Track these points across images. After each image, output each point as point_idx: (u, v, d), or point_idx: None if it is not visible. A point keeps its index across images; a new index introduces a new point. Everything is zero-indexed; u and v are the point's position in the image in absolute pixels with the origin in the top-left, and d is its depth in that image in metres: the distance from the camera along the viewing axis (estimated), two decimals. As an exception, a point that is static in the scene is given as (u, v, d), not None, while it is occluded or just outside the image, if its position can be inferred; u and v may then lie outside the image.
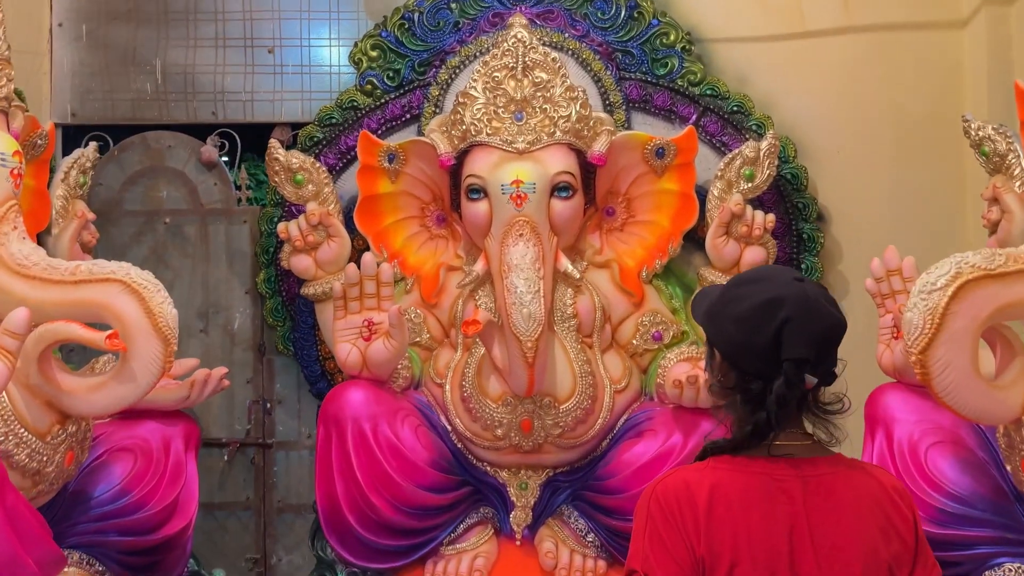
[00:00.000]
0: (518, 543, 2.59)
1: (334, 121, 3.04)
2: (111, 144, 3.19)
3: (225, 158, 3.28)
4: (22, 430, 1.91)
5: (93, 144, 2.88)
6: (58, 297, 1.95)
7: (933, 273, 1.74)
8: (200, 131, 3.27)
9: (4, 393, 1.85)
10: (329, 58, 3.28)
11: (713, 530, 1.29)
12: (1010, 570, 1.97)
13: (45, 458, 1.95)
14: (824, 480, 1.35)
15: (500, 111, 2.62)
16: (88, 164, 2.80)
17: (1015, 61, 2.89)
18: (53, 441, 2.00)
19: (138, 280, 2.02)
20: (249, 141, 3.36)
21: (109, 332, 1.92)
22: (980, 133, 2.54)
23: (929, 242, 2.79)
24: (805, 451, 1.38)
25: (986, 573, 2.00)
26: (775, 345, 1.33)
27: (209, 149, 3.21)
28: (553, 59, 2.67)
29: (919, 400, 2.17)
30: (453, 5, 3.05)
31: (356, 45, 3.10)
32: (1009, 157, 2.46)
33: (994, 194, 2.49)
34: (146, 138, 3.23)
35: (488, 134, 2.60)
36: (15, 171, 1.99)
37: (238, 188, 3.26)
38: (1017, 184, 2.42)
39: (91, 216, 2.74)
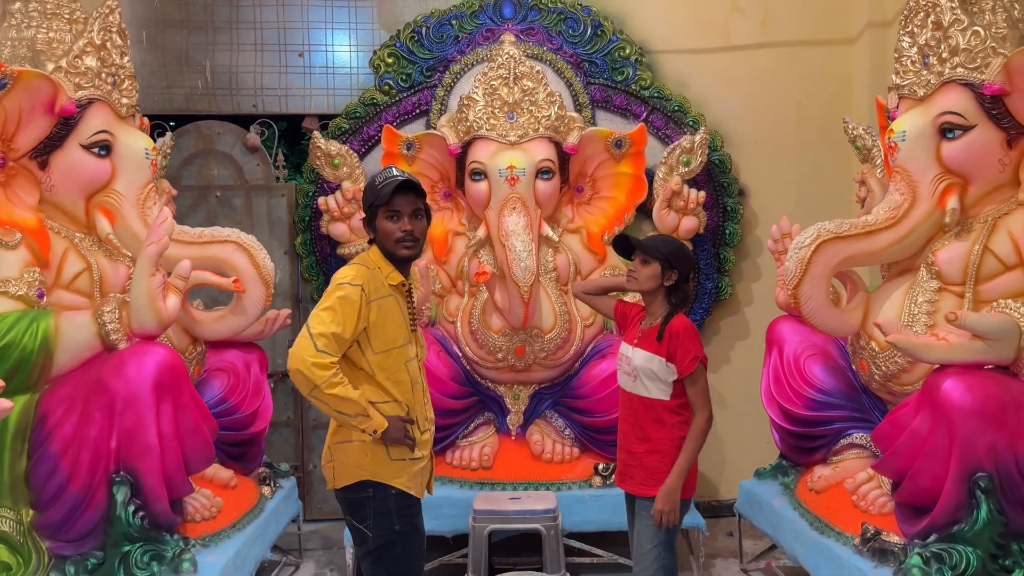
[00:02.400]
0: (513, 438, 3.33)
1: (358, 115, 3.71)
2: (169, 131, 3.79)
3: (266, 143, 3.91)
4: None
5: (170, 134, 3.49)
6: (190, 253, 2.65)
7: (803, 235, 2.54)
8: (243, 121, 3.88)
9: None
10: (349, 61, 3.91)
11: None
12: (857, 437, 2.78)
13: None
14: None
15: (496, 111, 3.30)
16: (168, 150, 3.42)
17: (889, 71, 3.58)
18: (189, 357, 2.71)
19: (247, 241, 2.74)
20: (283, 130, 3.98)
21: (234, 278, 2.64)
22: (854, 132, 3.24)
23: (823, 212, 3.16)
24: None
25: (841, 440, 2.81)
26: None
27: (253, 136, 3.84)
28: (537, 71, 3.35)
29: (801, 326, 2.90)
30: (454, 22, 3.71)
31: (375, 53, 3.75)
32: (874, 151, 3.15)
33: (862, 178, 3.20)
34: (199, 126, 3.85)
35: (487, 129, 3.28)
36: (153, 162, 2.68)
37: (276, 168, 3.89)
38: (878, 171, 3.11)
39: (174, 192, 3.38)
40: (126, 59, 2.70)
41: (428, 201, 3.38)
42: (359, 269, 2.02)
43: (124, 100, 2.66)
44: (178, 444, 2.29)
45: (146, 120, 2.93)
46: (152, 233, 2.27)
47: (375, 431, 1.97)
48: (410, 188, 2.04)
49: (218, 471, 2.81)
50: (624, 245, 2.35)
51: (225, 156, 3.86)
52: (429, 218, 2.14)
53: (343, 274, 2.02)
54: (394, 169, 2.09)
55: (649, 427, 2.21)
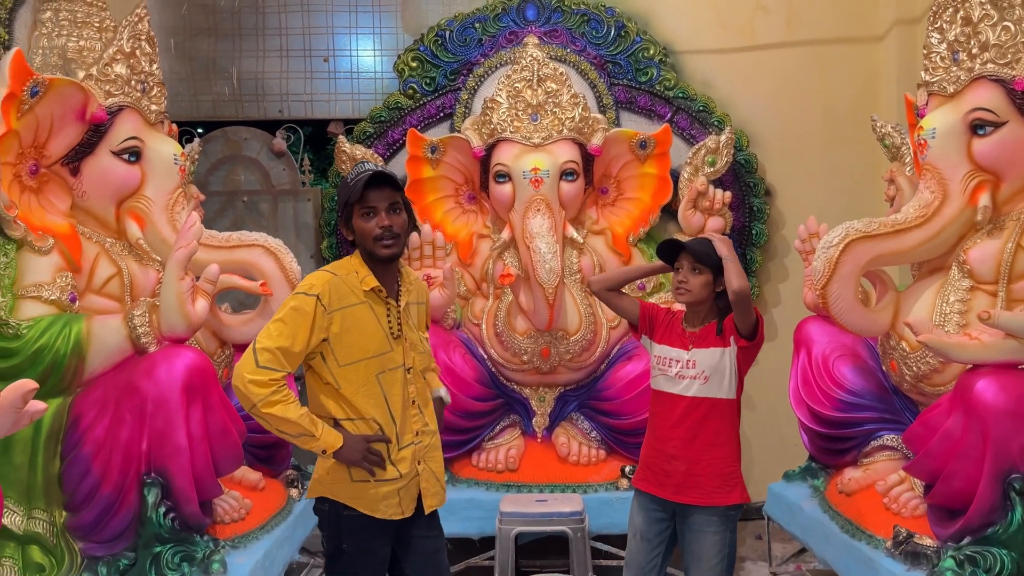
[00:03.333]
0: (539, 440, 3.33)
1: (383, 119, 3.74)
2: (197, 137, 3.84)
3: (292, 148, 3.95)
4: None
5: (198, 140, 3.53)
6: (219, 257, 2.68)
7: (831, 234, 2.51)
8: (269, 126, 3.93)
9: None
10: (374, 66, 3.93)
11: None
12: (888, 439, 2.73)
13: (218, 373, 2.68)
14: None
15: (520, 114, 3.31)
16: (196, 156, 3.45)
17: (917, 68, 3.53)
18: (217, 360, 2.74)
19: (274, 245, 2.77)
20: (309, 134, 4.02)
21: (261, 282, 2.67)
22: (883, 130, 3.20)
23: (851, 212, 3.11)
24: None
25: (872, 442, 2.77)
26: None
27: (279, 141, 3.88)
28: (560, 73, 3.36)
29: (830, 327, 2.87)
30: (477, 25, 3.73)
31: (399, 57, 3.77)
32: (903, 148, 3.10)
33: (891, 176, 3.15)
34: (226, 132, 3.90)
35: (511, 132, 3.29)
36: (182, 167, 2.72)
37: (303, 172, 3.93)
38: (907, 169, 3.06)
39: (202, 197, 3.42)
40: (155, 66, 2.73)
41: (453, 204, 3.53)
42: (321, 277, 1.91)
43: (153, 107, 2.70)
44: (207, 446, 2.31)
45: (175, 127, 2.97)
46: (181, 238, 2.30)
47: (324, 451, 1.86)
48: (384, 181, 1.89)
49: (247, 473, 2.84)
50: (671, 250, 2.25)
51: (252, 161, 3.90)
52: (411, 213, 2.00)
53: (303, 282, 1.92)
54: (367, 163, 1.98)
55: (723, 431, 2.16)
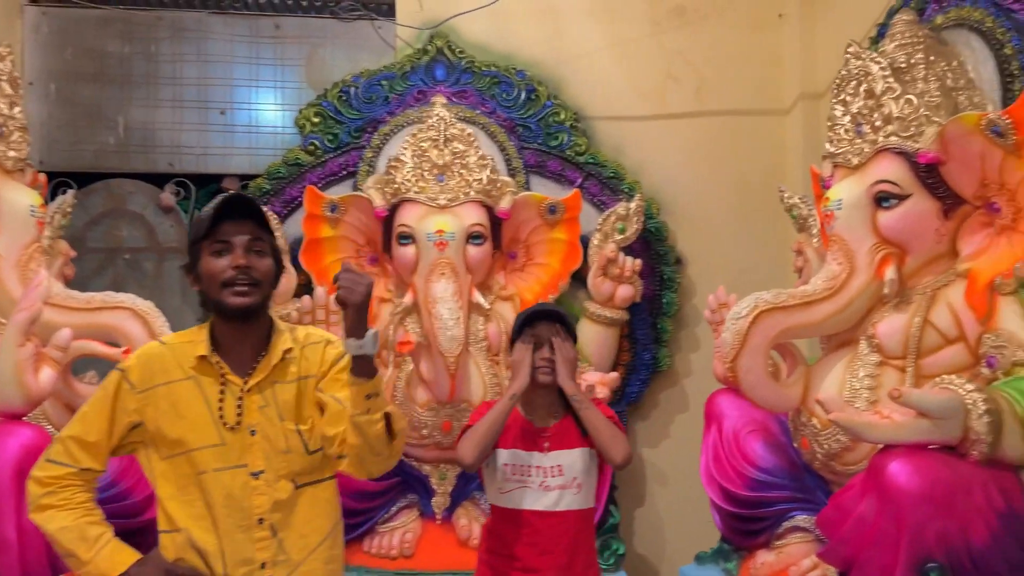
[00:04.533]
0: (438, 522, 3.09)
1: (281, 175, 3.54)
2: (76, 189, 3.56)
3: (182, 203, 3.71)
4: (49, 427, 2.35)
5: (71, 192, 3.26)
6: (77, 321, 2.42)
7: (740, 305, 2.44)
8: (158, 180, 3.69)
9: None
10: (274, 120, 3.76)
11: None
12: (801, 520, 2.62)
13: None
14: None
15: (425, 174, 3.18)
16: (69, 208, 3.18)
17: (822, 141, 3.59)
18: (71, 437, 2.43)
19: (143, 307, 2.52)
20: (202, 190, 3.78)
21: (125, 348, 2.40)
22: (790, 201, 3.20)
23: (760, 282, 3.10)
24: None
25: (784, 523, 2.65)
26: None
27: (167, 196, 3.65)
28: (468, 133, 3.27)
29: (741, 400, 2.73)
30: (384, 82, 3.61)
31: (301, 112, 3.62)
32: (809, 220, 3.10)
33: (799, 247, 3.14)
34: (108, 184, 3.64)
35: (416, 192, 3.16)
36: (40, 220, 2.46)
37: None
38: (814, 240, 3.04)
39: (72, 254, 3.14)
40: (16, 110, 2.50)
41: (354, 263, 3.33)
42: (143, 348, 1.61)
43: (12, 153, 2.46)
44: (42, 539, 2.00)
45: (41, 176, 2.73)
46: (24, 299, 2.04)
47: None
48: (245, 210, 1.50)
49: None
50: (528, 320, 2.02)
51: (136, 216, 3.65)
52: (279, 261, 1.60)
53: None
54: (229, 192, 1.65)
55: (593, 548, 1.94)
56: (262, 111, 3.77)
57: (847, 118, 2.47)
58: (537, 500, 1.90)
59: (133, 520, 2.68)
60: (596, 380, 3.05)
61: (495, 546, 2.03)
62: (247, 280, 1.51)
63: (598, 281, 3.32)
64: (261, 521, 1.52)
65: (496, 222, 3.25)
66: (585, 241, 3.37)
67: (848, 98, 2.47)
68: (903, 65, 2.36)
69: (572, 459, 1.93)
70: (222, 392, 1.54)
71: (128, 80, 3.69)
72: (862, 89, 2.41)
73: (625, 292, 3.33)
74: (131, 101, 3.69)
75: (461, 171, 3.19)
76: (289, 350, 1.63)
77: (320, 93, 3.64)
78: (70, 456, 1.52)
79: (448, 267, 3.04)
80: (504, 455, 1.99)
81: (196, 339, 1.57)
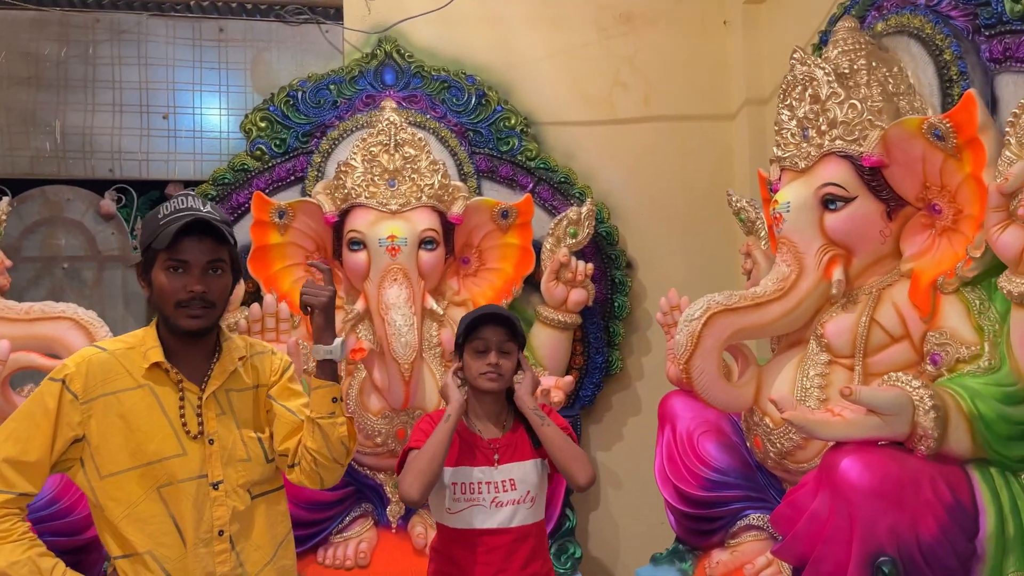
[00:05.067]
0: (394, 530, 3.04)
1: (227, 181, 3.46)
2: (10, 197, 3.42)
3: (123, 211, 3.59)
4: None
5: (6, 199, 3.12)
6: (15, 332, 2.32)
7: (692, 307, 2.46)
8: (98, 186, 3.57)
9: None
10: (219, 125, 3.67)
11: None
12: (755, 519, 2.66)
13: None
14: None
15: (376, 179, 3.13)
16: (3, 216, 3.04)
17: (768, 146, 3.63)
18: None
19: (84, 317, 2.43)
20: (143, 196, 3.67)
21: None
22: (738, 204, 3.24)
23: (710, 285, 3.13)
24: None
25: (738, 522, 2.69)
26: None
27: (108, 203, 3.53)
28: (419, 138, 3.23)
29: (694, 402, 2.78)
30: (332, 86, 3.55)
31: (247, 116, 3.54)
32: (757, 223, 3.15)
33: (747, 250, 3.18)
34: (45, 191, 3.50)
35: (366, 197, 3.11)
36: (-27, 228, 2.35)
37: (134, 237, 3.57)
38: (763, 243, 3.10)
39: (8, 263, 3.00)
40: (-54, 113, 2.38)
41: (303, 273, 3.25)
42: (81, 353, 1.49)
43: (-59, 159, 2.34)
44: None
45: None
46: (-43, 310, 1.95)
47: None
48: (209, 230, 1.46)
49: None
50: (473, 325, 1.91)
51: (75, 224, 3.52)
52: (237, 274, 1.56)
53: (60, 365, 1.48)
54: (190, 198, 1.54)
55: (546, 556, 1.85)
56: (206, 115, 3.68)
57: (793, 122, 2.52)
58: (489, 518, 1.79)
59: (76, 538, 2.61)
60: (552, 384, 3.05)
61: (446, 568, 1.92)
62: (202, 304, 1.49)
63: (551, 285, 3.32)
64: (221, 533, 1.47)
65: (448, 227, 3.22)
66: (537, 246, 3.37)
67: (794, 103, 2.52)
68: (846, 71, 2.41)
69: (525, 471, 1.82)
70: (181, 400, 1.49)
71: (65, 84, 3.56)
72: (807, 94, 2.46)
73: (578, 296, 3.34)
74: (68, 105, 3.56)
75: (412, 176, 3.15)
76: (243, 357, 1.62)
77: (266, 97, 3.57)
78: (4, 482, 1.39)
79: (400, 273, 3.00)
80: (449, 473, 1.85)
81: (142, 345, 1.51)
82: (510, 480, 1.81)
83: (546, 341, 3.35)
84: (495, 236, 3.31)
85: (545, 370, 3.28)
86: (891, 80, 2.39)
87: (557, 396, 3.01)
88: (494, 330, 1.96)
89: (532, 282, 3.40)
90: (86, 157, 3.57)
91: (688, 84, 3.88)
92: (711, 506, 2.71)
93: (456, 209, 3.21)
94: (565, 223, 3.37)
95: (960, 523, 1.95)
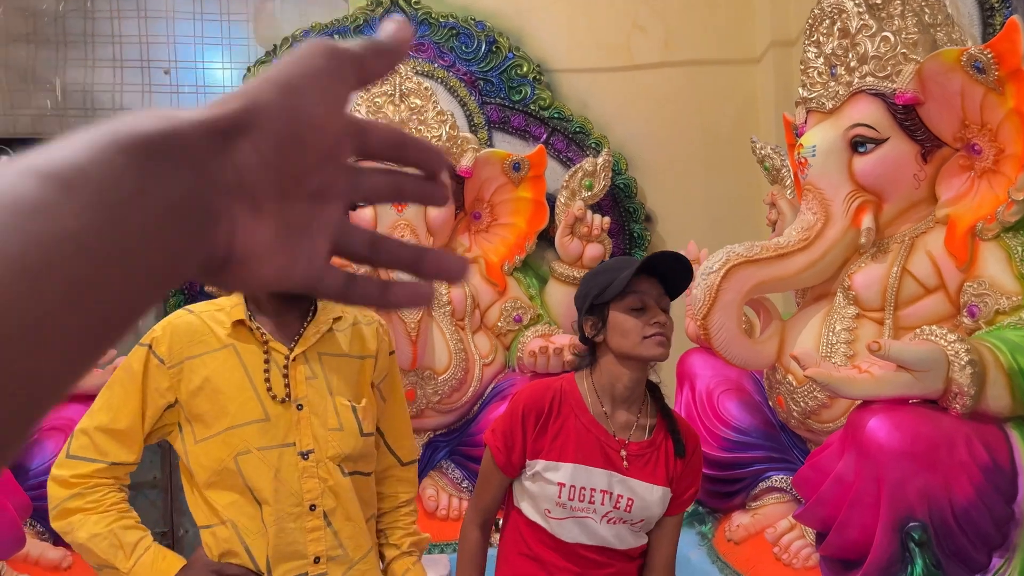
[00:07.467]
0: (405, 493, 2.99)
1: (230, 137, 3.36)
2: (7, 156, 3.37)
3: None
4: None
5: (7, 159, 3.07)
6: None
7: (711, 260, 2.32)
8: (100, 145, 3.49)
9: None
10: (222, 79, 3.56)
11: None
12: (777, 480, 2.56)
13: None
14: None
15: (381, 131, 3.02)
16: (2, 176, 3.00)
17: (794, 90, 3.51)
18: None
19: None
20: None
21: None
22: (762, 152, 3.07)
23: (732, 236, 2.98)
24: None
25: (760, 484, 2.59)
26: None
27: (110, 161, 3.45)
28: (426, 88, 3.10)
29: (714, 360, 2.66)
30: (336, 36, 3.42)
31: (250, 69, 3.42)
32: (783, 171, 2.99)
33: (772, 199, 3.04)
34: (48, 151, 3.43)
35: (371, 151, 3.00)
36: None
37: (139, 197, 3.50)
38: (788, 192, 2.95)
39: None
40: (-71, 67, 2.29)
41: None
42: (168, 318, 1.41)
43: (-74, 114, 2.26)
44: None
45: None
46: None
47: None
48: None
49: (46, 551, 2.38)
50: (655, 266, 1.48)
51: (79, 184, 3.44)
52: None
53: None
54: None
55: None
56: (209, 70, 3.57)
57: (820, 60, 2.35)
58: (593, 534, 1.45)
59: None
60: (567, 343, 2.94)
61: (525, 551, 1.59)
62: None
63: (565, 240, 3.19)
64: (313, 508, 1.33)
65: (458, 181, 3.10)
66: (551, 199, 3.24)
67: (821, 38, 2.34)
68: (878, 1, 2.23)
69: (652, 498, 1.43)
70: (266, 361, 1.37)
71: (63, 39, 3.47)
72: (836, 28, 2.28)
73: (594, 251, 3.20)
74: (67, 61, 3.47)
75: (419, 128, 3.03)
76: (339, 318, 1.47)
77: (269, 49, 3.44)
78: (97, 450, 1.31)
79: (407, 229, 2.90)
80: (561, 471, 1.45)
81: (228, 305, 1.41)
82: (630, 499, 1.43)
83: (562, 299, 3.23)
84: (507, 190, 3.18)
85: (560, 328, 3.17)
86: (927, 10, 2.20)
87: (571, 355, 2.90)
88: (652, 283, 1.53)
89: (546, 237, 3.28)
90: (87, 114, 3.49)
91: (710, 26, 3.68)
92: (732, 467, 2.60)
93: (465, 162, 3.08)
94: (580, 175, 3.23)
95: (997, 485, 1.82)
